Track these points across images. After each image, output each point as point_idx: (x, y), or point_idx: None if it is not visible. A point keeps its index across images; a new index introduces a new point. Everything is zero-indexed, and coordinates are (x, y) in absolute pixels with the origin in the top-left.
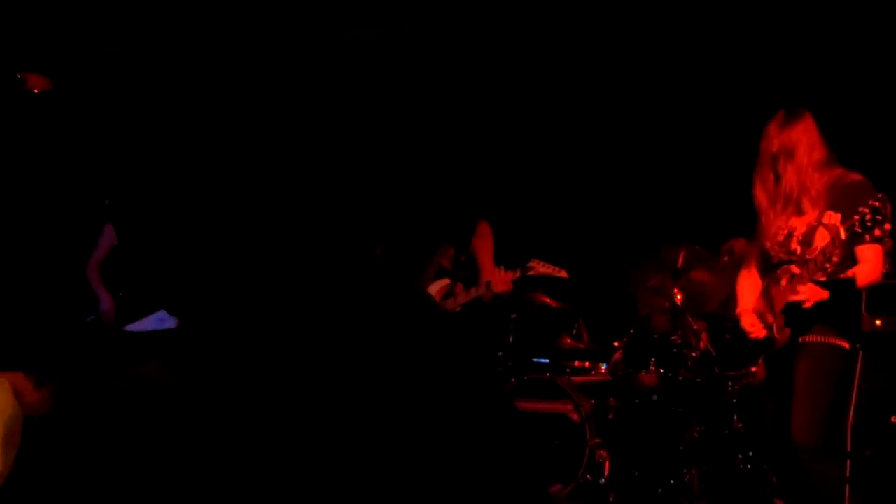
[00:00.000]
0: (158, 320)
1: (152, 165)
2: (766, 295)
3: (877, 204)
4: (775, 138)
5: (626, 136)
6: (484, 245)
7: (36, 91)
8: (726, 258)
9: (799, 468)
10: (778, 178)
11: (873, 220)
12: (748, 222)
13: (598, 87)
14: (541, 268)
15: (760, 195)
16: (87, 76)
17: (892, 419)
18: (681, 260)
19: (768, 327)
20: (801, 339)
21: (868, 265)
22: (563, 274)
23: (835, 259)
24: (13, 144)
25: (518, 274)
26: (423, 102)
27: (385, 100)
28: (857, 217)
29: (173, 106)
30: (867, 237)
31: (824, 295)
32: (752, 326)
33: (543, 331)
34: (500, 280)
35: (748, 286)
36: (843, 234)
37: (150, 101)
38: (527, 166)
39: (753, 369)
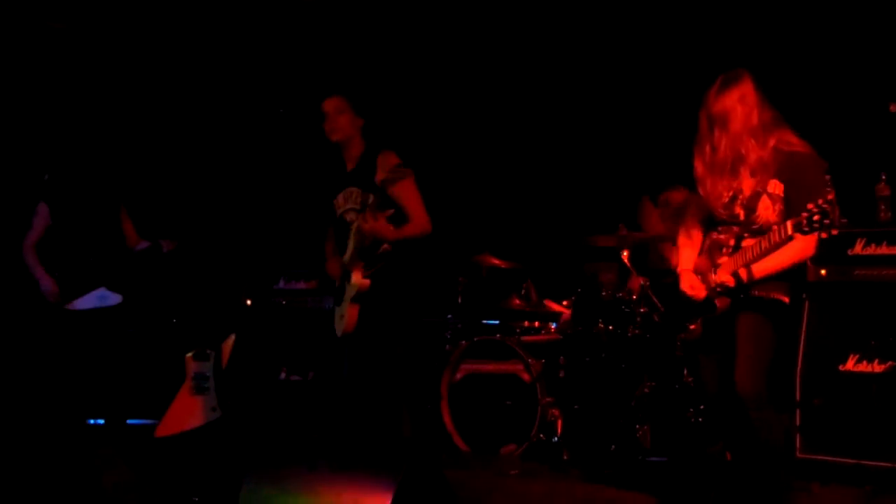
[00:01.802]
0: (100, 297)
1: (88, 142)
2: (710, 255)
3: (826, 207)
4: (712, 106)
5: (575, 99)
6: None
7: None
8: (664, 209)
9: (745, 419)
10: (714, 148)
11: (821, 222)
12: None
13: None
14: (390, 175)
15: (698, 165)
16: (27, 52)
17: (840, 368)
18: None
19: (711, 290)
20: (741, 294)
21: (800, 244)
22: (407, 173)
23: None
24: None
25: (374, 208)
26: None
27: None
28: (805, 214)
29: (110, 82)
30: (814, 236)
31: None
32: (693, 289)
33: (492, 292)
34: (361, 219)
35: (688, 244)
36: (789, 230)
37: (87, 78)
38: (474, 129)
39: (692, 326)
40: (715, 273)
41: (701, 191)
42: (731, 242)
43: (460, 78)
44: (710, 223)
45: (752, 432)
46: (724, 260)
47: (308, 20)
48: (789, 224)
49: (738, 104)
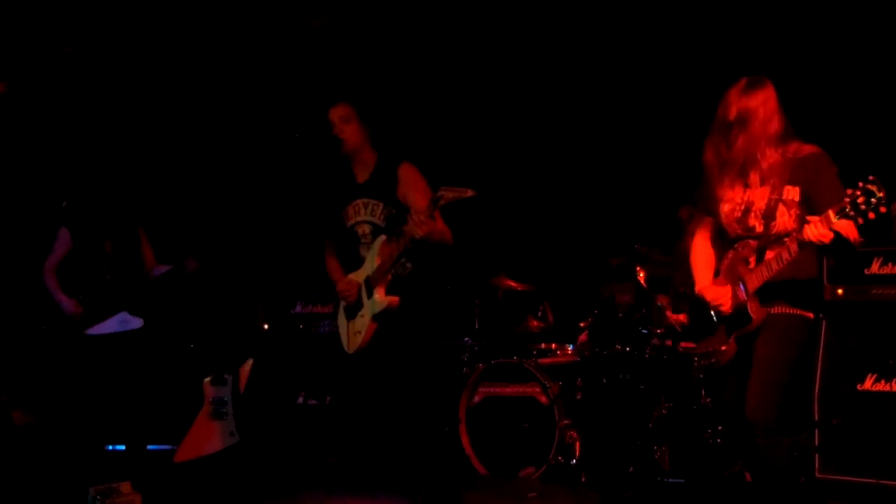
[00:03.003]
0: (120, 322)
1: (106, 167)
2: (732, 272)
3: (870, 186)
4: (734, 104)
5: (591, 122)
6: (412, 191)
7: None
8: (685, 217)
9: (752, 443)
10: (730, 146)
11: (867, 203)
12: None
13: (553, 70)
14: (448, 194)
15: (710, 159)
16: (45, 78)
17: (858, 387)
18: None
19: (741, 305)
20: (765, 313)
21: (848, 231)
22: (470, 193)
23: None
24: None
25: (430, 208)
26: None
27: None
28: (847, 200)
29: (130, 108)
30: (860, 220)
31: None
32: (718, 299)
33: (509, 314)
34: (416, 223)
35: (703, 261)
36: (833, 219)
37: (108, 104)
38: (489, 151)
39: (723, 348)
40: (742, 287)
41: (708, 185)
42: (753, 257)
43: (478, 99)
44: (723, 241)
45: (761, 456)
46: (748, 274)
47: (319, 35)
48: (831, 212)
49: (761, 107)
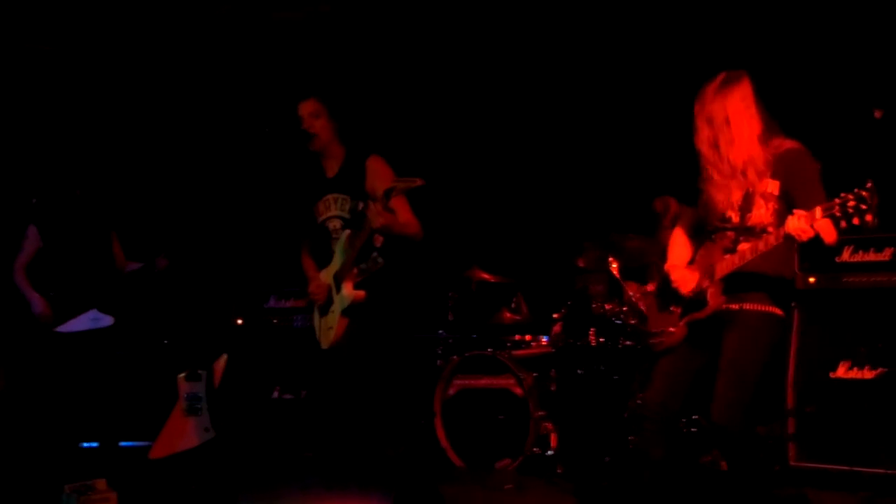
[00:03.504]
0: (92, 319)
1: (76, 164)
2: (705, 261)
3: (864, 193)
4: (711, 104)
5: (552, 108)
6: (379, 183)
7: None
8: (660, 209)
9: (723, 437)
10: (711, 143)
11: (856, 209)
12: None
13: (522, 61)
14: (400, 184)
15: (708, 161)
16: (12, 74)
17: (831, 375)
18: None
19: (701, 291)
20: (734, 307)
21: (827, 234)
22: (419, 182)
23: (770, 229)
24: None
25: (383, 200)
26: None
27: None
28: (837, 201)
29: (99, 104)
30: (843, 224)
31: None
32: (682, 280)
33: (482, 306)
34: (371, 213)
35: (678, 244)
36: (818, 216)
37: (75, 100)
38: (462, 143)
39: (671, 329)
40: (711, 276)
41: (706, 194)
42: (728, 246)
43: (449, 89)
44: (700, 232)
45: (732, 449)
46: (719, 262)
47: (289, 28)
48: (819, 209)
49: (741, 103)
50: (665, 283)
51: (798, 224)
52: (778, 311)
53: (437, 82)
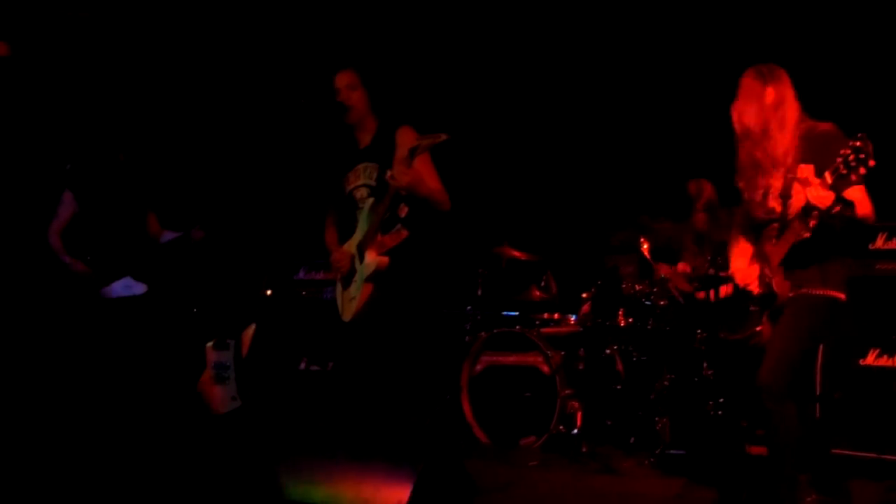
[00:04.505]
0: (125, 286)
1: (111, 130)
2: (761, 254)
3: (858, 143)
4: (757, 94)
5: (584, 88)
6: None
7: None
8: (693, 192)
9: (764, 410)
10: (753, 135)
11: (857, 159)
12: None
13: (558, 44)
14: (424, 141)
15: (747, 150)
16: (48, 40)
17: (861, 362)
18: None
19: (766, 283)
20: (794, 293)
21: (862, 204)
22: (443, 137)
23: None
24: None
25: (407, 158)
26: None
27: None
28: (839, 160)
29: (132, 72)
30: (853, 177)
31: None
32: (746, 280)
33: (512, 284)
34: (396, 173)
35: (737, 246)
36: (829, 180)
37: (110, 68)
38: (494, 120)
39: (758, 328)
40: (769, 267)
41: (746, 192)
42: (776, 235)
43: (482, 68)
44: (753, 230)
45: (768, 422)
46: (772, 251)
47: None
48: (827, 173)
49: (789, 90)
50: (735, 287)
51: (816, 192)
52: (833, 293)
53: (471, 59)
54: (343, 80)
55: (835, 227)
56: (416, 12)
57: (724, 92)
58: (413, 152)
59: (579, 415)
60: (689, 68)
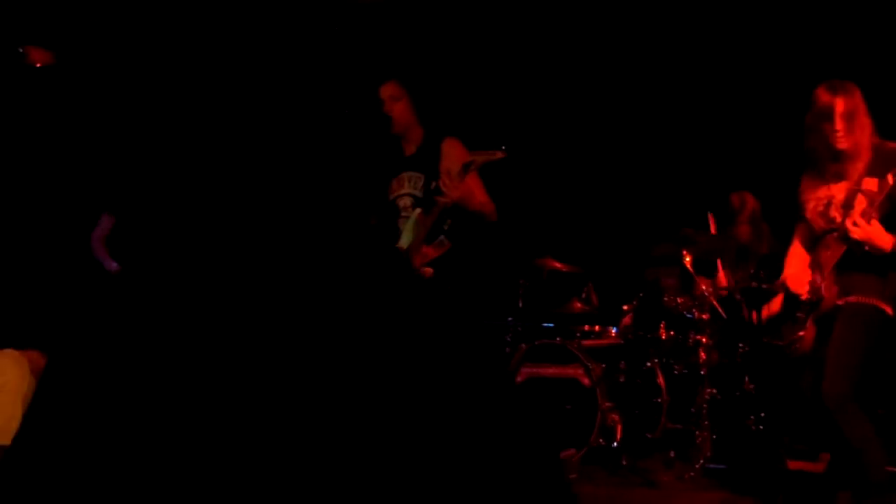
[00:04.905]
0: None
1: (151, 150)
2: (816, 262)
3: None
4: (837, 104)
5: (629, 98)
6: (454, 165)
7: (38, 65)
8: (737, 204)
9: (830, 420)
10: (833, 143)
11: None
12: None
13: (601, 51)
14: (479, 158)
15: (817, 151)
16: (89, 51)
17: None
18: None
19: (816, 288)
20: (842, 301)
21: None
22: (499, 154)
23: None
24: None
25: (461, 172)
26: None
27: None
28: None
29: (176, 86)
30: None
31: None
32: (796, 286)
33: (553, 295)
34: (446, 186)
35: (795, 257)
36: (891, 181)
37: (153, 80)
38: (537, 132)
39: (801, 333)
40: (821, 272)
41: (811, 203)
42: (832, 244)
43: (528, 81)
44: (813, 241)
45: (838, 432)
46: (827, 259)
47: (371, 11)
48: (889, 176)
49: (861, 104)
50: (786, 293)
51: (872, 189)
52: (882, 304)
53: (518, 72)
54: (387, 91)
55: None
56: (465, 26)
57: (767, 105)
58: (467, 168)
59: (619, 427)
60: (732, 82)
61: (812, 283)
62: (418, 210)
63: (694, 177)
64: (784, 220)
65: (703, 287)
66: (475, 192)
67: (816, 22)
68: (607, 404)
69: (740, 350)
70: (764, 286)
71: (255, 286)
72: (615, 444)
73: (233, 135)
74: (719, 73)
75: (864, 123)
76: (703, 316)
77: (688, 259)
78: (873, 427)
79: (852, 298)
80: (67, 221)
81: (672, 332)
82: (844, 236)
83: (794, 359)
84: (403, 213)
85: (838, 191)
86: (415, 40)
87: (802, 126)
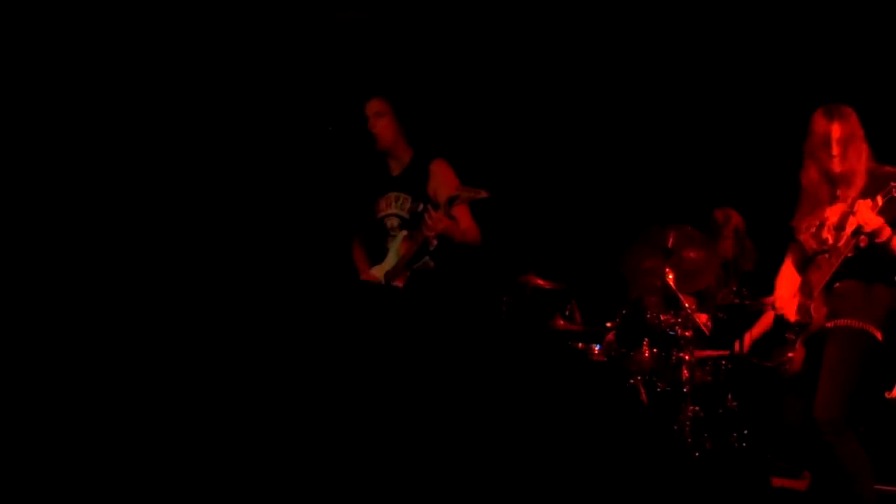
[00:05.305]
0: None
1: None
2: (806, 283)
3: None
4: (834, 129)
5: (613, 116)
6: (442, 187)
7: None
8: (720, 220)
9: (821, 444)
10: (829, 168)
11: None
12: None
13: (588, 71)
14: (464, 194)
15: (813, 175)
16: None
17: (886, 395)
18: (671, 240)
19: (805, 309)
20: (831, 324)
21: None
22: (484, 194)
23: (864, 238)
24: None
25: (445, 207)
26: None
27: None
28: (893, 183)
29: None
30: None
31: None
32: (785, 308)
33: (536, 313)
34: (431, 219)
35: (786, 278)
36: (879, 202)
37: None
38: (519, 149)
39: (790, 354)
40: (810, 294)
41: (803, 224)
42: (822, 266)
43: (512, 99)
44: (805, 262)
45: (830, 456)
46: (816, 279)
47: (355, 28)
48: (879, 196)
49: (858, 129)
50: (776, 315)
51: (864, 215)
52: (872, 329)
53: (497, 90)
54: (371, 108)
55: (879, 252)
56: (446, 42)
57: (752, 123)
58: (452, 202)
59: None
60: (717, 99)
61: (801, 306)
62: (404, 232)
63: (678, 193)
64: (770, 237)
65: (687, 304)
66: (460, 219)
67: (805, 39)
68: None
69: (723, 367)
70: (747, 303)
71: (250, 290)
72: None
73: (219, 150)
74: (703, 90)
75: (861, 148)
76: (686, 333)
77: (671, 276)
78: (868, 457)
79: (841, 322)
80: (67, 221)
81: (655, 350)
82: (854, 232)
83: (784, 380)
84: (391, 233)
85: (832, 213)
86: (401, 58)
87: (789, 143)
